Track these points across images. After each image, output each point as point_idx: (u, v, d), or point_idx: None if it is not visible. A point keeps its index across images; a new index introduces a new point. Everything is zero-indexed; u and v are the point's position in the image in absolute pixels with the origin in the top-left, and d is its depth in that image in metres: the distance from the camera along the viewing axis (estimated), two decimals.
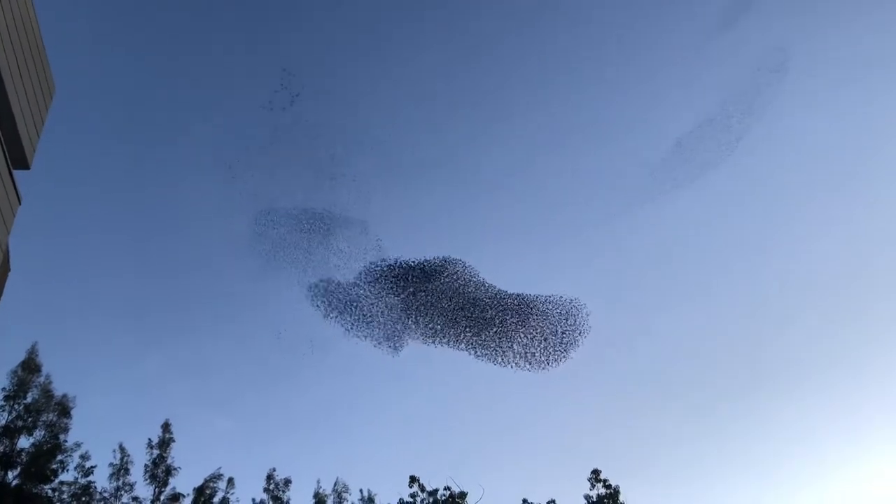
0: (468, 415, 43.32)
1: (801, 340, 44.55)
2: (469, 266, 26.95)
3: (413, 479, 26.51)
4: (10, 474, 26.60)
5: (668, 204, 35.86)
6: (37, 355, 28.93)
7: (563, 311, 26.87)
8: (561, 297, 27.10)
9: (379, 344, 26.25)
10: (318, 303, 26.30)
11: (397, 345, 26.40)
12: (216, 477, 30.68)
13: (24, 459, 27.22)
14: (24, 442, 27.56)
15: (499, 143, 38.63)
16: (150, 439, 30.19)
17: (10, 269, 8.96)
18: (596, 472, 26.58)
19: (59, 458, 27.91)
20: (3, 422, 27.35)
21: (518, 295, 27.08)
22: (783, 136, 35.13)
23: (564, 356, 26.67)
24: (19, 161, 6.99)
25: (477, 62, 39.89)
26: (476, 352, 26.54)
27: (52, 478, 27.46)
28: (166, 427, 30.33)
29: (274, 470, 31.87)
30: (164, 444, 30.13)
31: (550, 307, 26.93)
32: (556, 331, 26.54)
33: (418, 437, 42.88)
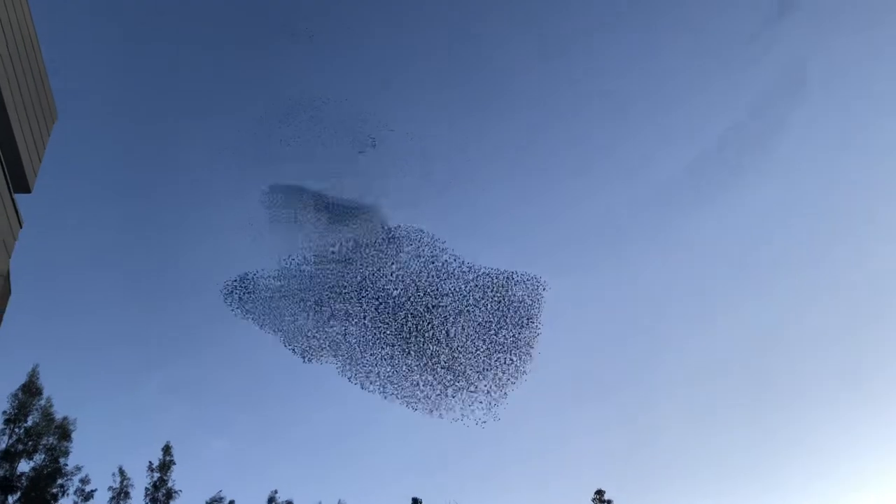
0: (472, 436, 43.04)
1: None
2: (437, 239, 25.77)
3: (416, 501, 26.35)
4: (11, 499, 26.40)
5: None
6: (37, 378, 28.90)
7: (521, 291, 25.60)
8: (523, 272, 25.69)
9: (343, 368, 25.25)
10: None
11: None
12: (217, 500, 30.50)
13: (25, 484, 27.05)
14: (24, 466, 27.41)
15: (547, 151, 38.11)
16: (150, 462, 30.06)
17: (10, 293, 8.99)
18: (600, 493, 26.40)
19: (60, 482, 27.76)
20: (4, 446, 27.22)
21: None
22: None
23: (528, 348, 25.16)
24: (21, 184, 7.06)
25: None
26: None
27: (52, 502, 27.26)
28: (167, 450, 30.20)
29: (276, 492, 31.70)
30: (165, 466, 29.98)
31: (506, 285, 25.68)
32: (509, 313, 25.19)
33: (421, 457, 42.64)
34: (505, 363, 24.73)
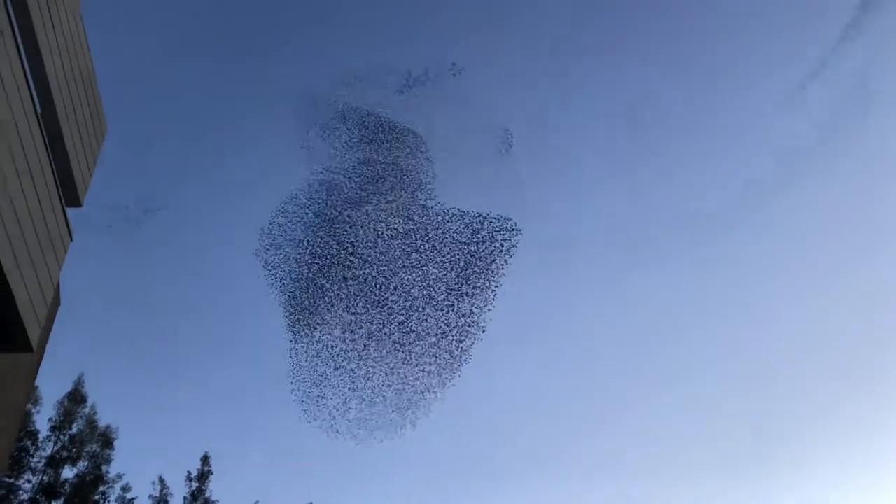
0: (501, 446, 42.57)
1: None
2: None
3: None
4: None
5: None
6: (83, 386, 29.55)
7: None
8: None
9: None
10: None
11: None
12: None
13: (68, 490, 27.60)
14: (67, 472, 27.99)
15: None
16: (188, 472, 30.39)
17: (60, 303, 9.17)
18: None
19: (101, 489, 28.27)
20: (49, 452, 27.85)
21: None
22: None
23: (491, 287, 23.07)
24: (72, 199, 7.20)
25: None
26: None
27: None
28: (205, 460, 30.53)
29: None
30: (203, 476, 30.30)
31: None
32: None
33: (457, 464, 42.26)
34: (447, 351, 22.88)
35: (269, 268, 22.41)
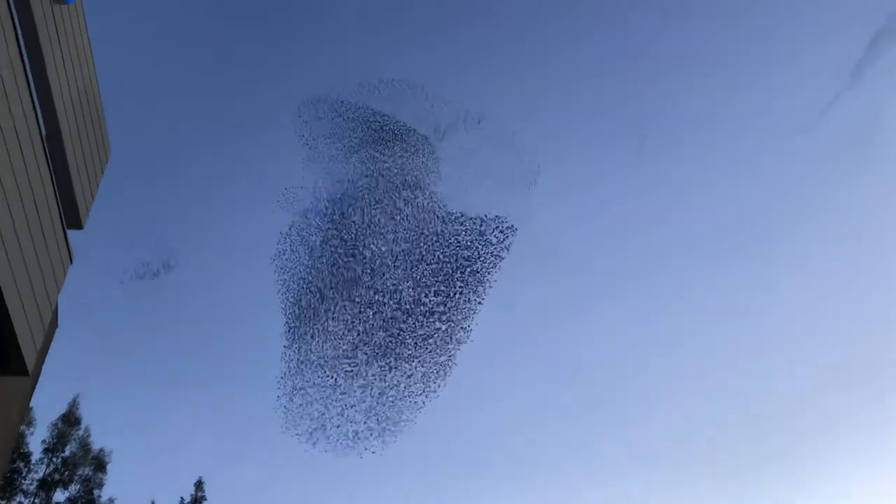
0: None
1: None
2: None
3: None
4: None
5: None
6: (77, 408, 29.34)
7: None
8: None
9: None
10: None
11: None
12: None
13: None
14: (59, 496, 27.67)
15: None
16: (182, 498, 30.03)
17: (57, 325, 9.16)
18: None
19: None
20: (41, 474, 27.57)
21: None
22: None
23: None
24: (73, 221, 7.24)
25: None
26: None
27: None
28: (199, 486, 30.17)
29: None
30: (197, 502, 29.92)
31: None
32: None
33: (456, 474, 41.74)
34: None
35: (282, 272, 22.24)
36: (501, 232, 22.51)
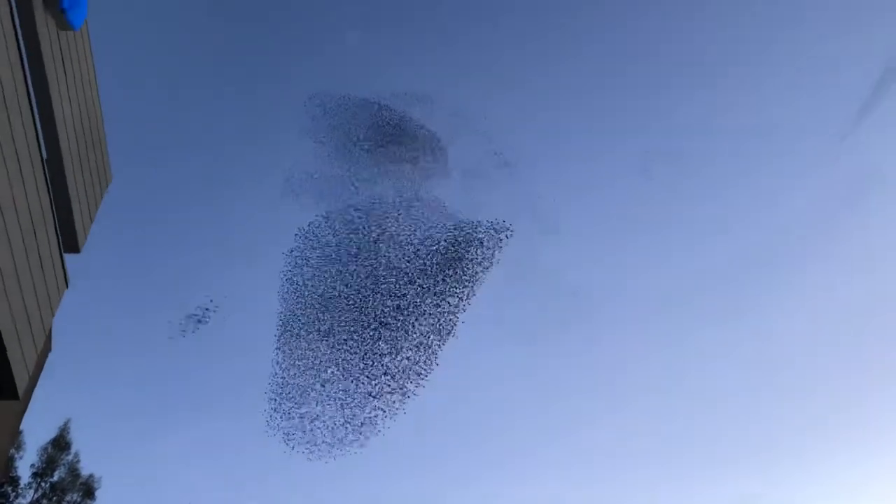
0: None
1: None
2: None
3: None
4: None
5: None
6: (68, 433, 29.01)
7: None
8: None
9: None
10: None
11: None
12: None
13: None
14: None
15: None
16: None
17: (51, 349, 9.09)
18: None
19: None
20: (29, 500, 27.16)
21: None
22: None
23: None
24: (70, 245, 7.22)
25: None
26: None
27: None
28: None
29: None
30: None
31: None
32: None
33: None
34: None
35: (290, 275, 22.04)
36: (496, 231, 22.53)
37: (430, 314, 21.74)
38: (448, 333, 21.89)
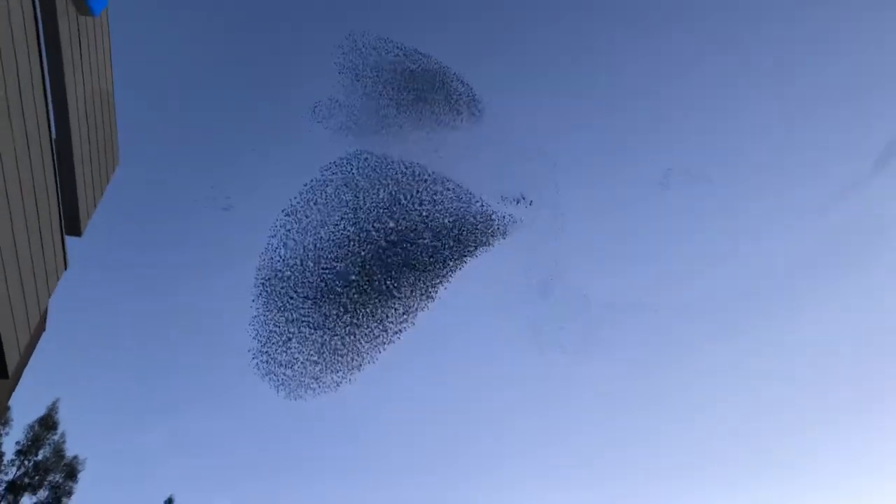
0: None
1: None
2: None
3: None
4: None
5: None
6: (56, 412, 28.95)
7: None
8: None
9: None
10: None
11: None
12: None
13: None
14: (26, 501, 27.16)
15: None
16: None
17: (45, 330, 9.11)
18: None
19: None
20: (11, 476, 27.10)
21: None
22: None
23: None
24: (73, 227, 7.25)
25: None
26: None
27: None
28: (170, 502, 29.63)
29: None
30: None
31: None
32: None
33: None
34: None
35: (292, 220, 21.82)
36: (500, 220, 22.39)
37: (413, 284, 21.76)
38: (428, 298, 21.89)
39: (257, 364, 21.98)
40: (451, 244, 22.17)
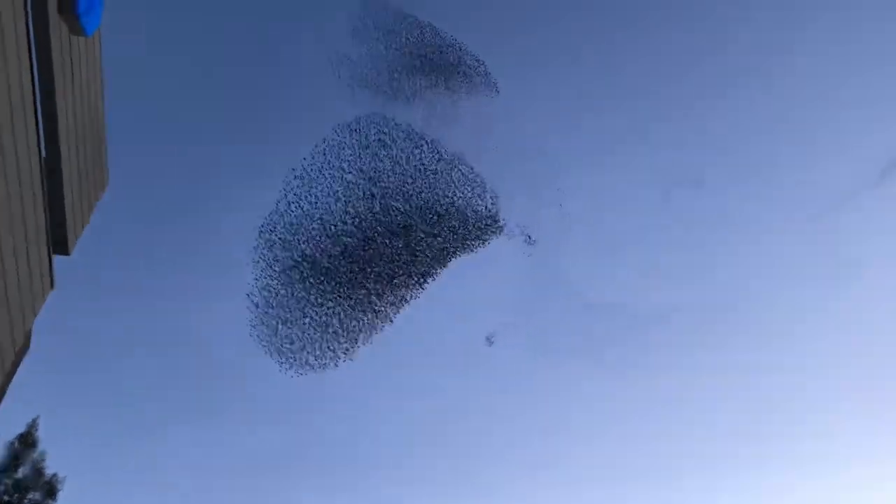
0: None
1: None
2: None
3: None
4: None
5: None
6: (36, 430, 28.52)
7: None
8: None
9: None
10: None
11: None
12: None
13: None
14: None
15: None
16: None
17: (29, 348, 9.00)
18: None
19: None
20: None
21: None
22: None
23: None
24: (61, 247, 7.19)
25: None
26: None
27: None
28: None
29: None
30: None
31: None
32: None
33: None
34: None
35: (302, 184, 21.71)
36: (490, 222, 22.43)
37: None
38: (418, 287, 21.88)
39: (258, 334, 21.75)
40: (448, 234, 22.18)
